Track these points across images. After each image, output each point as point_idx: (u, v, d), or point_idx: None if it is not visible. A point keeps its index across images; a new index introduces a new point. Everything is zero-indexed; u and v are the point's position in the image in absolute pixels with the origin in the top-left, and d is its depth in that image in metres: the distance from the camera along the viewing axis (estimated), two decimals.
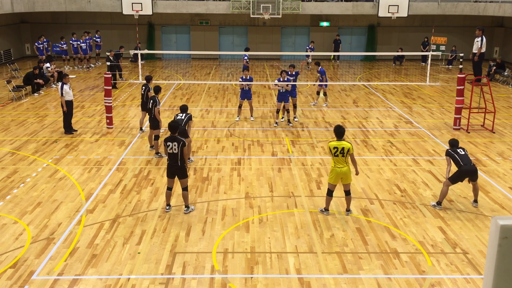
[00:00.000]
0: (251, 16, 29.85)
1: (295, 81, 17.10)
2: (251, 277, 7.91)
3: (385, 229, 9.59)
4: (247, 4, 29.61)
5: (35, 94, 21.13)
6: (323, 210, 10.19)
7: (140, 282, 7.75)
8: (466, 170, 10.17)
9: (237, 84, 19.45)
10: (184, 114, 12.35)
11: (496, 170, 12.86)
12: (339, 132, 9.86)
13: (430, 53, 18.88)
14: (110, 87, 16.18)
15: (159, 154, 13.50)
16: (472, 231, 9.57)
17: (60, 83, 15.68)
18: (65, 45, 28.22)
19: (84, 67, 28.41)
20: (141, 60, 27.20)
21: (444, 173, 12.25)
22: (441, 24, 32.04)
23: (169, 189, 10.15)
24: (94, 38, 29.17)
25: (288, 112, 16.81)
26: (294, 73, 17.00)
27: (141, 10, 28.38)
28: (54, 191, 11.25)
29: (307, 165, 13.04)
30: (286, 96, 16.45)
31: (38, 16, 31.24)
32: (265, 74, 27.55)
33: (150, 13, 28.76)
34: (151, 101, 13.54)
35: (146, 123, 14.35)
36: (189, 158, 10.14)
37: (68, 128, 15.64)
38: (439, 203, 10.56)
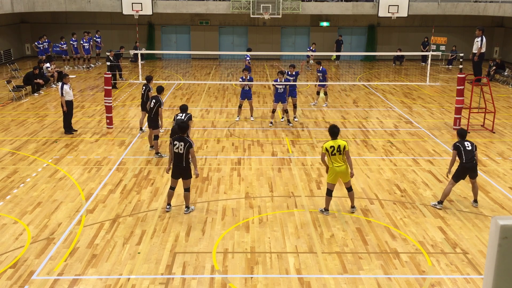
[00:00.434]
0: (251, 16, 29.86)
1: (295, 81, 17.11)
2: (251, 277, 7.91)
3: (385, 229, 9.59)
4: (247, 4, 29.62)
5: (35, 94, 21.13)
6: (323, 210, 10.20)
7: (140, 282, 7.75)
8: (466, 167, 10.18)
9: (237, 84, 19.45)
10: (184, 114, 12.33)
11: (496, 170, 12.86)
12: (334, 132, 9.90)
13: (430, 53, 18.88)
14: (110, 87, 16.19)
15: (159, 154, 13.50)
16: (472, 231, 9.57)
17: (60, 83, 15.68)
18: (65, 45, 28.23)
19: (84, 67, 28.41)
20: (141, 60, 27.19)
21: (444, 173, 12.26)
22: (441, 24, 32.04)
23: (172, 188, 10.14)
24: (95, 38, 29.17)
25: (287, 112, 16.82)
26: (294, 73, 17.01)
27: (141, 10, 28.39)
28: (54, 191, 11.25)
29: (307, 165, 13.04)
30: (283, 96, 16.45)
31: (38, 16, 31.24)
32: (265, 74, 27.56)
33: (150, 13, 28.76)
34: (154, 100, 13.49)
35: (146, 123, 14.33)
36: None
37: (68, 128, 15.64)
38: (440, 202, 10.56)
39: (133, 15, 28.62)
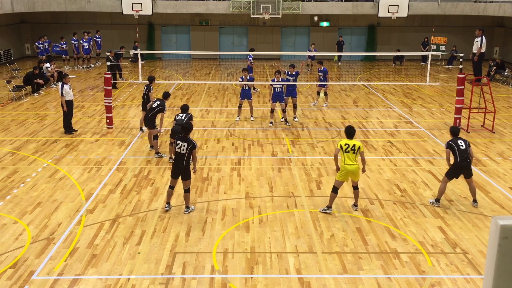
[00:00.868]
0: (251, 16, 29.86)
1: (295, 81, 17.11)
2: (251, 277, 7.91)
3: (385, 229, 9.60)
4: (247, 4, 29.62)
5: (35, 94, 21.13)
6: (326, 208, 10.20)
7: (140, 282, 7.75)
8: (460, 166, 10.17)
9: (237, 84, 19.44)
10: (184, 114, 12.34)
11: (496, 170, 12.86)
12: (350, 132, 10.03)
13: (430, 53, 18.88)
14: (110, 87, 16.19)
15: (159, 154, 13.50)
16: (472, 231, 9.57)
17: (60, 83, 15.68)
18: (65, 45, 28.22)
19: (84, 67, 28.41)
20: (141, 60, 27.19)
21: (444, 173, 12.24)
22: (441, 24, 32.04)
23: (171, 187, 10.14)
24: (95, 38, 29.17)
25: (284, 112, 16.82)
26: (294, 73, 17.01)
27: (141, 10, 28.38)
28: (54, 191, 11.25)
29: (307, 165, 13.04)
30: (281, 96, 16.46)
31: (38, 16, 31.24)
32: (265, 74, 27.56)
33: (150, 13, 28.76)
34: (158, 102, 13.50)
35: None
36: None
37: (68, 128, 15.64)
38: (437, 200, 10.58)
39: (133, 15, 28.61)
